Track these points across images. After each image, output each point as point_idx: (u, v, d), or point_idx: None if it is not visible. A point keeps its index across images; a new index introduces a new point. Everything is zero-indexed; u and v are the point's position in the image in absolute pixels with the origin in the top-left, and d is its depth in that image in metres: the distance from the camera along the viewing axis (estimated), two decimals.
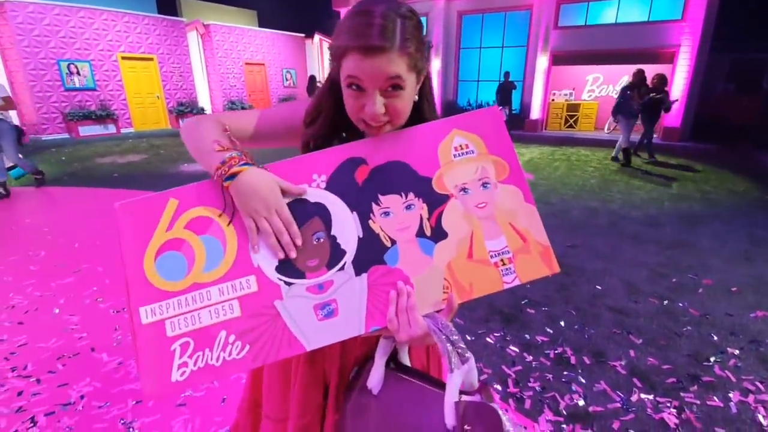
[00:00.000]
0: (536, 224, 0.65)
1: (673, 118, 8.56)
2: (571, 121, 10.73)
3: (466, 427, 0.54)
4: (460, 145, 0.65)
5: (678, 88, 8.71)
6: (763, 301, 2.47)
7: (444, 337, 0.59)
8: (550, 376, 1.82)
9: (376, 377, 0.66)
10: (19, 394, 1.69)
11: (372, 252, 0.61)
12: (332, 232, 0.61)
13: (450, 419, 0.56)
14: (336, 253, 0.61)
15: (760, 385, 1.76)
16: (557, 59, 10.18)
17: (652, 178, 5.76)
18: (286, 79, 15.59)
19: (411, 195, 0.63)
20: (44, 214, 4.15)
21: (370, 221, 0.62)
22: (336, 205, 0.62)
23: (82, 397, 1.67)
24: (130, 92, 11.15)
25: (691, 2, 8.41)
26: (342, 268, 0.60)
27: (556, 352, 1.98)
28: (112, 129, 10.63)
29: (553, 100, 10.91)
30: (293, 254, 0.59)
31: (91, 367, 1.85)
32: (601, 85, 10.78)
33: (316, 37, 15.41)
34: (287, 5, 16.80)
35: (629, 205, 4.46)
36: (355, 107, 0.60)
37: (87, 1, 10.03)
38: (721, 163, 6.75)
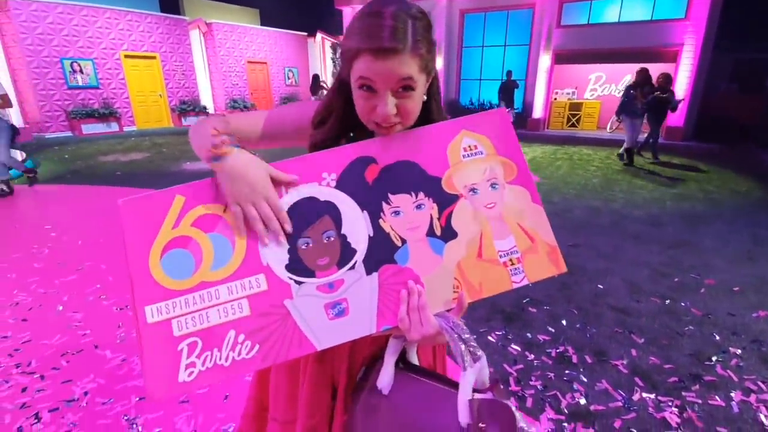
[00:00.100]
0: (544, 224, 0.66)
1: (676, 117, 8.53)
2: (574, 120, 10.71)
3: (480, 424, 0.54)
4: (469, 146, 0.66)
5: (681, 87, 8.67)
6: (765, 301, 2.46)
7: (456, 335, 0.59)
8: (552, 374, 1.82)
9: (386, 377, 0.66)
10: (24, 390, 1.70)
11: (382, 251, 0.61)
12: (342, 231, 0.61)
13: (464, 417, 0.56)
14: (346, 252, 0.60)
15: (762, 385, 1.76)
16: (560, 58, 10.15)
17: (655, 177, 5.74)
18: (288, 78, 15.59)
19: (421, 194, 0.63)
20: (47, 211, 4.17)
21: (381, 220, 0.62)
22: (346, 204, 0.61)
23: (85, 393, 1.68)
24: (133, 90, 11.17)
25: (695, 1, 8.37)
26: (353, 267, 0.60)
27: (557, 351, 1.98)
28: (114, 127, 10.66)
29: (555, 99, 10.88)
30: (282, 239, 0.59)
31: (95, 364, 1.86)
32: (604, 84, 10.75)
33: (319, 35, 15.39)
34: (289, 3, 16.79)
35: (631, 204, 4.45)
36: (367, 108, 0.61)
37: (90, 0, 10.05)
38: (723, 163, 6.73)
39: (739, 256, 3.13)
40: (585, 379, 1.79)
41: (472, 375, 0.58)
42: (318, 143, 0.68)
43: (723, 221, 3.93)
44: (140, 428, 1.50)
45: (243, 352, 0.56)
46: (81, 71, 10.02)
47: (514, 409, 0.54)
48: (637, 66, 6.34)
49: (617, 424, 1.55)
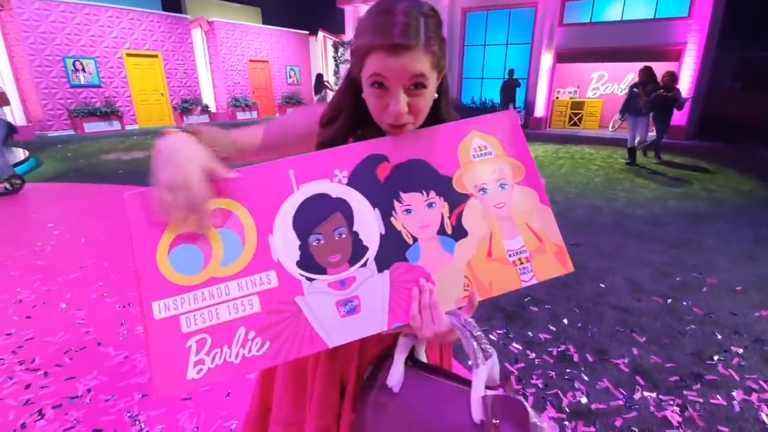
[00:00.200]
0: (551, 225, 0.67)
1: (679, 116, 8.49)
2: (576, 119, 10.68)
3: (494, 420, 0.55)
4: (479, 147, 0.67)
5: (684, 86, 8.63)
6: (767, 301, 2.46)
7: (468, 333, 0.59)
8: (553, 373, 1.82)
9: (396, 375, 0.66)
10: (27, 387, 1.71)
11: (394, 249, 0.61)
12: (354, 228, 0.61)
13: (478, 414, 0.57)
14: (358, 249, 0.60)
15: (764, 384, 1.75)
16: (562, 57, 10.12)
17: (657, 176, 5.72)
18: (290, 77, 15.59)
19: (432, 193, 0.63)
20: (50, 209, 4.19)
21: (392, 218, 0.62)
22: (358, 201, 0.61)
23: (88, 390, 1.69)
24: (135, 89, 11.20)
25: None
26: (364, 265, 0.60)
27: (558, 349, 1.99)
28: (116, 126, 10.69)
29: (557, 97, 10.85)
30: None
31: (98, 361, 1.87)
32: (606, 83, 10.70)
33: (320, 34, 15.37)
34: (291, 2, 16.78)
35: (633, 203, 4.45)
36: (379, 106, 0.60)
37: None
38: (726, 162, 6.70)
39: (741, 255, 3.12)
40: (586, 378, 1.79)
41: (484, 372, 0.59)
42: (326, 142, 0.68)
43: (725, 220, 3.92)
44: (143, 425, 1.51)
45: (253, 350, 0.56)
46: (83, 70, 10.05)
47: (526, 404, 0.55)
48: (640, 65, 6.30)
49: (618, 422, 1.55)
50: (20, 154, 6.60)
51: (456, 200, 0.64)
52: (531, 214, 0.67)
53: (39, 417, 1.55)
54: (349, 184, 0.61)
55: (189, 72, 12.39)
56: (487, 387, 0.59)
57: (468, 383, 0.62)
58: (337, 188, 0.61)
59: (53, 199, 4.59)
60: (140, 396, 1.65)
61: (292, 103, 15.55)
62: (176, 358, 0.54)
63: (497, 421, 0.54)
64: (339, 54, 12.72)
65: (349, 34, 13.22)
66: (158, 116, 11.85)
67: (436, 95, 0.65)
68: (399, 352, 0.67)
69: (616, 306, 2.39)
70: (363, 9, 12.69)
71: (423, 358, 0.71)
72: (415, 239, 0.62)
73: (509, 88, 9.48)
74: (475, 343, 0.59)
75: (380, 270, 0.60)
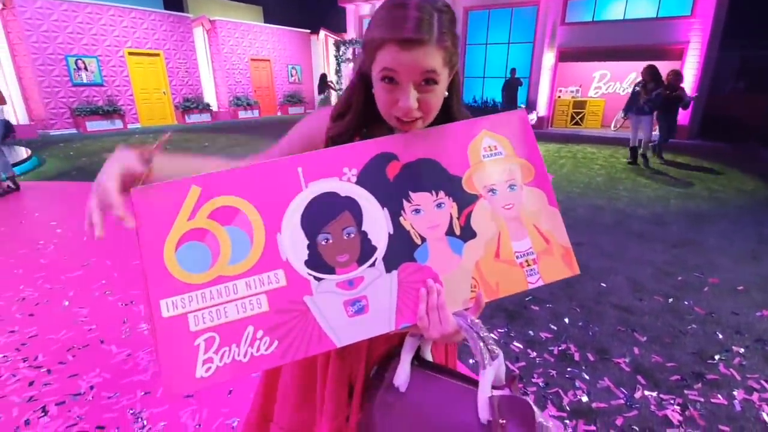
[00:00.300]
0: (559, 227, 0.67)
1: (681, 116, 8.44)
2: (578, 118, 10.66)
3: (501, 420, 0.55)
4: (489, 146, 0.66)
5: (687, 85, 8.58)
6: None
7: (475, 333, 0.59)
8: (554, 372, 1.82)
9: (403, 375, 0.66)
10: (31, 384, 1.72)
11: (402, 249, 0.61)
12: (363, 228, 0.60)
13: (485, 414, 0.57)
14: (366, 249, 0.60)
15: (765, 384, 1.75)
16: (564, 56, 10.10)
17: (659, 176, 5.71)
18: (292, 75, 15.59)
19: (442, 193, 0.63)
20: (53, 208, 4.20)
21: (401, 218, 0.61)
22: (367, 200, 0.61)
23: (91, 387, 1.70)
24: (137, 88, 11.22)
25: None
26: (373, 265, 0.60)
27: (559, 348, 1.99)
28: (119, 124, 10.71)
29: (559, 97, 10.84)
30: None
31: (101, 359, 1.88)
32: (608, 82, 10.68)
33: (322, 32, 15.38)
34: (292, 1, 16.78)
35: (635, 203, 4.44)
36: (389, 101, 0.60)
37: None
38: (729, 162, 6.68)
39: (743, 255, 3.12)
40: (587, 377, 1.79)
41: (491, 372, 0.59)
42: (335, 137, 0.68)
43: (728, 220, 3.91)
44: (145, 422, 1.52)
45: (262, 348, 0.56)
46: (85, 68, 10.07)
47: (532, 404, 0.55)
48: (643, 64, 6.27)
49: (619, 421, 1.55)
50: (22, 152, 6.63)
51: (465, 201, 0.64)
52: (539, 216, 0.66)
53: (42, 414, 1.56)
54: (358, 182, 0.61)
55: (191, 71, 12.40)
56: (493, 387, 0.60)
57: (473, 383, 0.62)
58: (346, 187, 0.60)
59: (56, 198, 4.60)
60: (143, 393, 1.66)
61: (294, 102, 15.56)
62: (185, 356, 0.54)
63: (504, 421, 0.55)
64: (340, 53, 12.71)
65: (350, 33, 13.22)
66: (160, 115, 11.87)
67: (447, 93, 0.64)
68: (405, 352, 0.67)
69: (617, 305, 2.39)
70: (364, 8, 12.69)
71: (429, 357, 0.71)
72: (423, 239, 0.62)
73: (511, 87, 9.46)
74: (481, 344, 0.59)
75: (388, 270, 0.60)
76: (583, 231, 3.59)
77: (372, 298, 0.59)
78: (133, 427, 1.50)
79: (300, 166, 0.60)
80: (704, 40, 8.42)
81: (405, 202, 0.62)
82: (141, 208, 0.56)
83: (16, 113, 9.23)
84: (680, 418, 1.57)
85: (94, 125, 10.18)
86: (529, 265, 0.65)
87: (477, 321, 0.61)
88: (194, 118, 12.44)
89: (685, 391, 1.71)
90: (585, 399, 1.66)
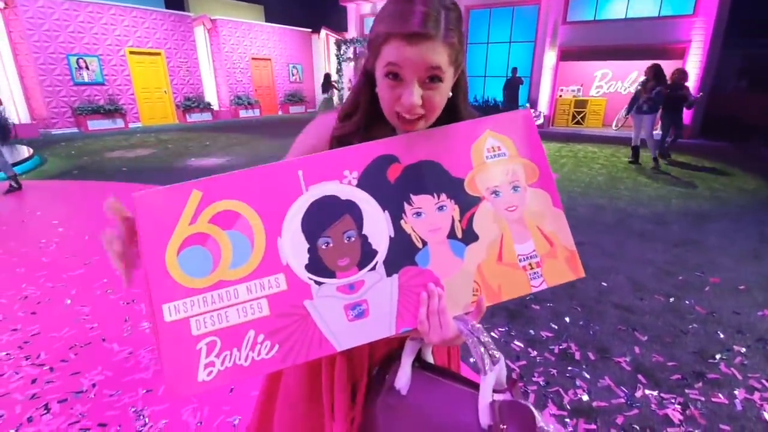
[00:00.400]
0: (563, 229, 0.66)
1: (683, 115, 8.45)
2: (579, 117, 10.63)
3: (501, 426, 0.55)
4: (493, 147, 0.65)
5: (689, 84, 8.57)
6: None
7: (475, 339, 0.59)
8: (555, 371, 1.82)
9: (404, 378, 0.66)
10: (33, 381, 1.73)
11: (403, 253, 0.60)
12: (363, 231, 0.59)
13: (485, 419, 0.57)
14: (367, 253, 0.59)
15: (766, 383, 1.75)
16: (565, 55, 10.08)
17: (661, 175, 5.70)
18: (293, 75, 15.59)
19: (443, 196, 0.62)
20: (55, 207, 4.21)
21: (402, 221, 0.61)
22: (368, 203, 0.60)
23: (93, 385, 1.71)
24: (138, 87, 11.23)
25: None
26: (373, 269, 0.59)
27: (560, 347, 1.99)
28: (120, 123, 10.73)
29: (560, 96, 10.81)
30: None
31: (103, 357, 1.89)
32: (610, 81, 10.64)
33: (323, 32, 15.37)
34: (293, 0, 16.76)
35: (636, 202, 4.43)
36: (392, 98, 0.59)
37: None
38: (731, 161, 6.66)
39: (745, 254, 3.11)
40: (588, 376, 1.80)
41: (492, 378, 0.58)
42: (341, 137, 0.67)
43: (729, 219, 3.90)
44: (147, 420, 1.53)
45: (263, 353, 0.56)
46: (87, 67, 10.09)
47: (533, 409, 0.55)
48: (644, 63, 6.24)
49: (619, 420, 1.56)
50: (24, 151, 6.65)
51: (467, 203, 0.63)
52: (543, 217, 0.65)
53: (45, 411, 1.57)
54: (358, 185, 0.60)
55: (192, 70, 12.41)
56: (495, 390, 0.59)
57: (475, 386, 0.62)
58: (347, 190, 0.60)
59: (57, 197, 4.61)
60: (144, 391, 1.67)
61: (295, 101, 15.56)
62: (187, 360, 0.55)
63: (504, 426, 0.55)
64: (341, 52, 12.70)
65: (351, 32, 13.21)
66: (161, 114, 11.88)
67: (451, 93, 0.63)
68: (406, 355, 0.67)
69: (618, 304, 2.39)
70: (365, 7, 12.69)
71: (430, 358, 0.71)
72: (424, 243, 0.61)
73: (512, 86, 9.45)
74: (482, 349, 0.59)
75: (389, 274, 0.60)
76: (584, 230, 3.59)
77: (372, 302, 0.59)
78: (135, 424, 1.51)
79: (300, 169, 0.60)
80: (706, 39, 8.39)
81: (406, 205, 0.61)
82: (142, 213, 0.56)
83: (18, 112, 9.25)
84: (681, 417, 1.57)
85: (95, 124, 10.20)
86: (532, 268, 0.64)
87: (478, 326, 0.60)
88: (195, 117, 12.45)
89: (686, 391, 1.71)
90: (585, 398, 1.67)
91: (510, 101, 9.50)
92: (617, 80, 10.51)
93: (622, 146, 7.72)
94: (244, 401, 1.60)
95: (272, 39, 14.55)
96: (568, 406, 1.62)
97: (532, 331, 2.11)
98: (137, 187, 4.93)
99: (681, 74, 5.90)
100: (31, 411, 1.57)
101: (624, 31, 9.14)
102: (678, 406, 1.62)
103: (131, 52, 10.92)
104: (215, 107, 13.12)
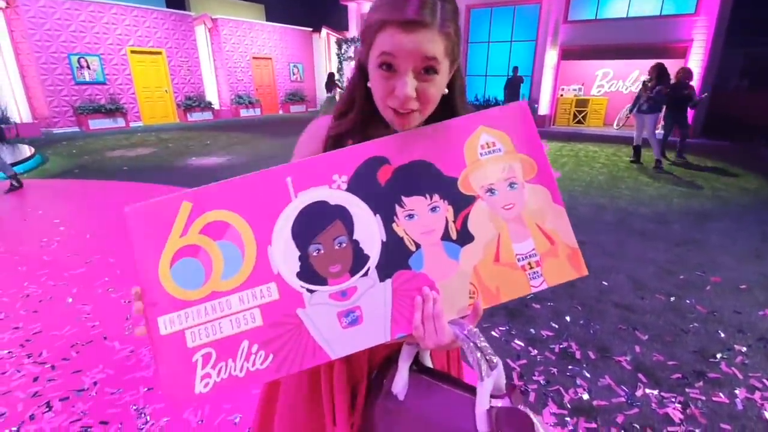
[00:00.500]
0: (564, 226, 0.63)
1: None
2: (580, 116, 10.62)
3: None
4: (487, 143, 0.62)
5: (693, 84, 8.57)
6: None
7: (472, 344, 0.57)
8: (555, 370, 1.82)
9: (400, 383, 0.65)
10: (35, 379, 1.74)
11: (396, 257, 0.59)
12: (354, 237, 0.58)
13: (483, 426, 0.56)
14: (359, 259, 0.58)
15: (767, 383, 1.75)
16: (567, 54, 10.06)
17: (662, 174, 5.69)
18: (293, 74, 15.59)
19: (436, 196, 0.60)
20: (56, 205, 4.22)
21: (394, 224, 0.59)
22: (358, 208, 0.58)
23: (95, 383, 1.72)
24: (139, 86, 11.24)
25: None
26: (366, 274, 0.58)
27: (561, 346, 1.99)
28: (121, 123, 10.74)
29: (561, 95, 10.80)
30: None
31: (104, 355, 1.89)
32: (611, 80, 10.63)
33: (324, 31, 15.36)
34: None
35: (637, 201, 4.43)
36: (385, 90, 0.57)
37: None
38: (732, 161, 6.65)
39: (746, 253, 3.11)
40: (588, 375, 1.80)
41: (489, 384, 0.57)
42: (336, 136, 0.65)
43: (731, 219, 3.90)
44: (148, 418, 1.53)
45: (257, 363, 0.56)
46: (88, 67, 10.10)
47: (532, 416, 0.54)
48: (646, 62, 6.22)
49: (620, 419, 1.56)
50: (26, 150, 6.66)
51: (461, 203, 0.60)
52: (542, 214, 0.62)
53: (47, 409, 1.58)
54: (348, 189, 0.58)
55: (192, 69, 12.42)
56: (493, 396, 0.58)
57: (474, 391, 0.60)
58: (336, 194, 0.58)
59: (59, 196, 4.62)
60: (145, 389, 1.68)
61: (295, 100, 15.56)
62: (184, 372, 0.55)
63: None
64: (342, 51, 12.70)
65: (352, 31, 13.20)
66: (162, 113, 11.90)
67: (447, 90, 0.62)
68: (403, 360, 0.66)
69: (618, 304, 2.39)
70: (366, 6, 12.67)
71: (428, 362, 0.70)
72: (418, 246, 0.59)
73: (513, 85, 9.44)
74: (479, 354, 0.57)
75: (382, 279, 0.58)
76: (585, 229, 3.58)
77: (366, 308, 0.58)
78: (137, 422, 1.52)
79: (289, 175, 0.58)
80: (708, 38, 8.37)
81: (398, 208, 0.59)
82: (135, 226, 0.56)
83: (19, 111, 9.27)
84: (681, 417, 1.57)
85: (96, 123, 10.21)
86: (531, 267, 0.61)
87: (475, 330, 0.59)
88: (196, 117, 12.46)
89: (687, 390, 1.71)
90: (586, 397, 1.67)
91: (511, 101, 9.48)
92: (618, 79, 10.50)
93: (623, 146, 7.71)
94: (246, 400, 1.61)
95: (273, 38, 14.54)
96: (569, 405, 1.63)
97: (532, 330, 2.11)
98: (138, 186, 4.94)
99: (686, 73, 5.84)
100: (33, 409, 1.58)
101: (625, 31, 9.11)
102: (678, 405, 1.62)
103: (132, 52, 10.93)
104: (216, 106, 13.13)
